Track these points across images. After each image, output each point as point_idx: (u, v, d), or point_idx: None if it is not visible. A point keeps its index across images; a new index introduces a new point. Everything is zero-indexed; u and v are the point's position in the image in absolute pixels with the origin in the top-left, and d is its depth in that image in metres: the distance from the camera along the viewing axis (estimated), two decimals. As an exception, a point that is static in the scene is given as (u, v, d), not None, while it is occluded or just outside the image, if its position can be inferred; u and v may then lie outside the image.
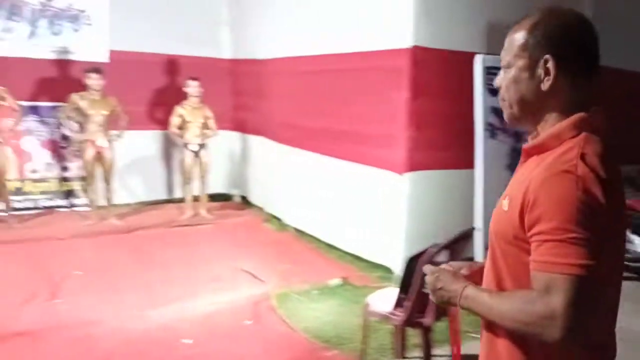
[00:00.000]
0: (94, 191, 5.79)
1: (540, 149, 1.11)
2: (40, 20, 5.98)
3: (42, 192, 6.20)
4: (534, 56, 1.11)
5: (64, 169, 6.31)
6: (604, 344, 1.11)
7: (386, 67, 4.22)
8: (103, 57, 6.30)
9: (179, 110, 6.01)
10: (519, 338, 1.08)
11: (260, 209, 6.53)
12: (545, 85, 1.10)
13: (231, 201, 7.21)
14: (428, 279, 1.20)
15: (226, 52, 7.08)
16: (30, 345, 2.99)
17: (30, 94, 5.98)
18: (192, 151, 6.12)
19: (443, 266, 1.26)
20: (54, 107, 6.14)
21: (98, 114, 5.58)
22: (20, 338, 3.02)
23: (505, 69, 1.16)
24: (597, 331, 1.07)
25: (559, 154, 1.05)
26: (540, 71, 1.10)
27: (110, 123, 5.73)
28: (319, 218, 5.21)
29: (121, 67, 6.15)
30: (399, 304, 2.51)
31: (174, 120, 6.03)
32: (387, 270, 4.10)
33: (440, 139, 4.18)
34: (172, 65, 6.77)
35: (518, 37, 1.13)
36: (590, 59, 1.12)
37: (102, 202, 5.90)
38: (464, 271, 1.23)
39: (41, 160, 6.17)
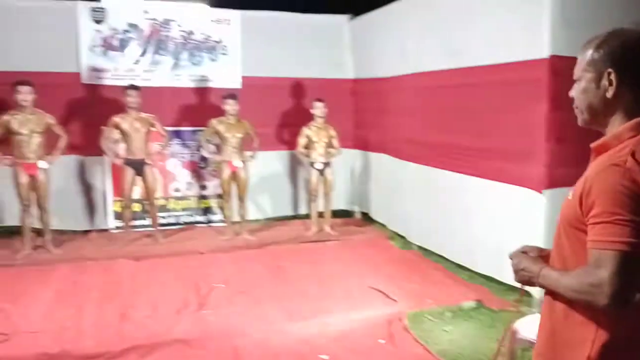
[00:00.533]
0: (229, 208, 6.20)
1: (604, 148, 1.32)
2: (182, 53, 6.59)
3: (184, 209, 6.78)
4: (599, 70, 1.32)
5: (202, 187, 6.84)
6: None
7: (521, 79, 4.05)
8: (236, 84, 6.77)
9: (305, 131, 6.26)
10: (575, 304, 1.29)
11: (383, 226, 6.56)
12: (610, 94, 1.31)
13: (353, 217, 7.33)
14: (512, 262, 1.44)
15: (349, 72, 7.26)
16: (183, 352, 3.26)
17: (173, 119, 6.60)
18: (318, 170, 6.32)
19: (521, 250, 1.48)
20: (194, 131, 6.71)
21: (234, 137, 5.99)
22: (176, 344, 3.31)
23: (578, 82, 1.39)
24: None
25: (615, 151, 1.27)
26: (604, 82, 1.31)
27: (245, 145, 6.13)
28: (446, 237, 5.10)
29: (252, 92, 6.58)
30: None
31: (301, 140, 6.28)
32: (526, 293, 3.87)
33: (582, 154, 3.89)
34: (298, 88, 7.08)
35: (586, 54, 1.35)
36: None
37: (236, 218, 6.30)
38: (533, 253, 1.45)
39: (183, 180, 6.75)
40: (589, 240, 1.24)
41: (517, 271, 1.44)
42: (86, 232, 6.36)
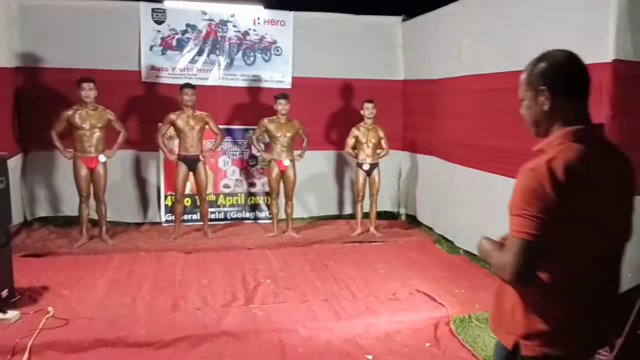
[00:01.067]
0: (276, 206, 6.29)
1: (541, 153, 1.56)
2: (236, 53, 6.74)
3: (232, 205, 6.92)
4: (535, 88, 1.59)
5: (251, 185, 6.97)
6: (572, 290, 1.55)
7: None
8: (287, 84, 6.86)
9: (354, 131, 6.27)
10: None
11: (429, 229, 6.49)
12: (546, 107, 1.57)
13: (398, 219, 7.30)
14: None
15: (399, 74, 7.23)
16: (231, 344, 3.35)
17: (225, 118, 6.75)
18: (365, 170, 6.32)
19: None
20: (245, 130, 6.86)
21: (284, 136, 6.07)
22: (224, 337, 3.40)
23: (522, 101, 1.65)
24: (563, 283, 1.53)
25: (544, 155, 1.51)
26: (541, 98, 1.57)
27: (294, 144, 6.21)
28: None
29: (301, 92, 6.66)
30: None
31: (349, 141, 6.30)
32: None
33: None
34: (348, 89, 7.11)
35: (523, 77, 1.64)
36: (579, 84, 1.57)
37: (283, 216, 6.39)
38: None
39: (232, 176, 6.90)
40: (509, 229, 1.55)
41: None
42: (139, 224, 6.60)
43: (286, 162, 6.14)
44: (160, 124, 6.16)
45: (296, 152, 6.26)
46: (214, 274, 4.62)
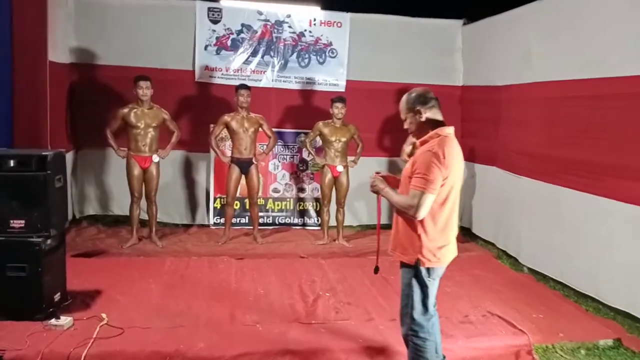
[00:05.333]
0: (327, 213, 6.07)
1: (423, 143, 2.65)
2: (291, 55, 6.56)
3: (280, 210, 6.74)
4: (414, 109, 2.68)
5: (300, 190, 6.78)
6: (444, 229, 2.66)
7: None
8: (341, 87, 6.65)
9: (411, 138, 5.98)
10: (405, 214, 2.62)
11: (487, 242, 6.16)
12: (423, 118, 2.65)
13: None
14: (371, 179, 2.82)
15: (457, 79, 6.92)
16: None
17: (277, 120, 6.58)
18: (422, 179, 6.04)
19: (375, 175, 2.82)
20: (296, 133, 6.67)
21: (338, 141, 5.86)
22: (290, 356, 3.18)
23: (405, 119, 2.75)
24: (441, 221, 2.63)
25: (428, 145, 2.59)
26: (418, 114, 2.66)
27: (348, 149, 5.98)
28: (567, 262, 4.66)
29: (355, 96, 6.41)
30: None
31: (406, 148, 6.02)
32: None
33: None
34: (402, 93, 6.80)
35: (403, 104, 2.75)
36: (434, 101, 2.69)
37: (332, 223, 6.17)
38: (383, 174, 2.87)
39: (282, 181, 6.73)
40: (411, 184, 2.55)
41: (371, 185, 2.80)
42: (187, 226, 6.49)
43: (339, 168, 5.92)
44: (212, 125, 6.04)
45: (350, 158, 6.03)
46: (270, 283, 4.42)
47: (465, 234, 6.66)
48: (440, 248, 2.64)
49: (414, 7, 6.76)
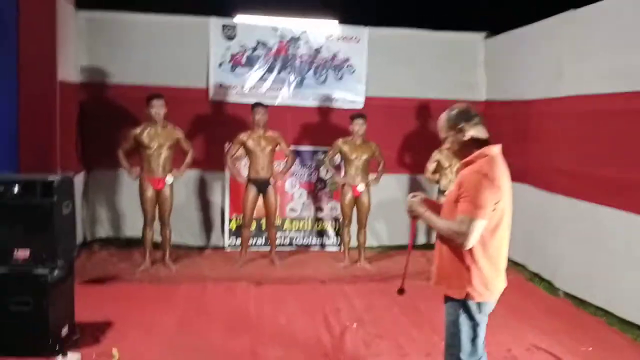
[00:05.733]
0: (348, 234, 5.79)
1: (468, 164, 2.37)
2: (308, 71, 6.35)
3: (297, 230, 6.48)
4: (456, 127, 2.41)
5: (318, 209, 6.52)
6: (496, 259, 2.38)
7: None
8: (359, 104, 6.42)
9: (436, 155, 5.74)
10: (451, 243, 2.34)
11: (516, 264, 5.84)
12: (466, 137, 2.39)
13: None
14: (407, 203, 2.52)
15: (480, 94, 6.67)
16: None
17: (294, 138, 6.35)
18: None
19: (412, 198, 2.53)
20: (313, 152, 6.44)
21: (359, 159, 5.61)
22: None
23: (446, 138, 2.46)
24: (492, 250, 2.34)
25: (477, 165, 2.32)
26: (460, 133, 2.40)
27: (370, 167, 5.73)
28: (608, 286, 4.34)
29: (374, 113, 6.15)
30: None
31: (430, 165, 5.77)
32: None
33: None
34: (423, 109, 6.60)
35: (443, 122, 2.47)
36: (478, 118, 2.42)
37: (353, 243, 5.89)
38: (420, 197, 2.54)
39: (299, 200, 6.47)
40: (459, 209, 2.27)
41: (409, 209, 2.50)
42: (201, 248, 6.25)
43: (360, 187, 5.66)
44: (227, 144, 5.85)
45: (371, 176, 5.78)
46: (291, 312, 4.14)
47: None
48: (492, 279, 2.36)
49: (434, 21, 6.53)
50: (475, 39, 6.66)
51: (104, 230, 6.26)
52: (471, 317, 2.38)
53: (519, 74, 5.89)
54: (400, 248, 6.60)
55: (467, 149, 2.39)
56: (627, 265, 4.15)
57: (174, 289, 4.65)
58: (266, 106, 5.53)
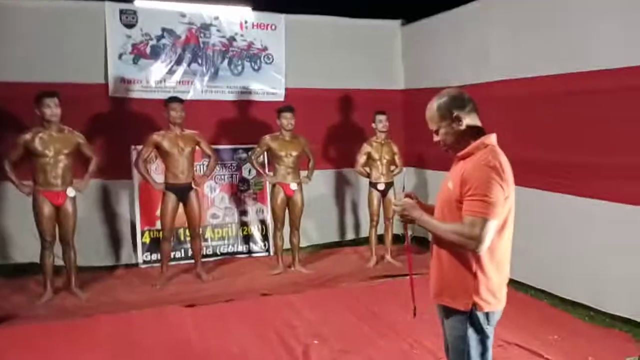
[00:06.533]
0: (281, 237, 5.36)
1: (467, 156, 2.07)
2: (221, 62, 5.78)
3: (221, 238, 5.91)
4: (451, 116, 2.10)
5: (242, 213, 5.99)
6: (502, 262, 2.10)
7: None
8: (279, 96, 5.99)
9: (366, 147, 5.50)
10: (454, 248, 2.05)
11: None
12: (463, 126, 2.10)
13: (404, 242, 6.57)
14: (397, 205, 2.21)
15: (399, 82, 6.55)
16: None
17: (210, 137, 5.72)
18: (379, 191, 5.55)
19: (404, 199, 2.21)
20: (233, 150, 5.90)
21: (289, 156, 5.19)
22: None
23: (437, 129, 2.15)
24: (499, 253, 2.06)
25: (478, 156, 2.03)
26: (457, 122, 2.09)
27: (300, 164, 5.33)
28: (556, 270, 4.38)
29: (295, 105, 5.75)
30: None
31: (361, 158, 5.52)
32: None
33: None
34: (345, 100, 6.34)
35: (433, 112, 2.14)
36: (472, 104, 2.13)
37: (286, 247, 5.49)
38: (412, 198, 2.24)
39: (221, 205, 5.90)
40: (466, 209, 1.98)
41: (401, 214, 2.18)
42: (111, 268, 5.45)
43: (293, 186, 5.25)
44: (134, 147, 5.18)
45: (302, 174, 5.39)
46: (240, 335, 3.63)
47: (421, 244, 6.28)
48: (500, 286, 2.11)
49: (352, 7, 6.28)
50: (392, 25, 6.51)
51: (-14, 257, 5.21)
52: (479, 330, 2.10)
53: (440, 61, 5.83)
54: (329, 246, 6.32)
55: (464, 140, 2.10)
56: (573, 249, 4.20)
57: (90, 322, 3.90)
58: (182, 101, 4.91)
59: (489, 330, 2.11)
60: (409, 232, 2.41)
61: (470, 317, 2.07)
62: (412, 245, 6.10)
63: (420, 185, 6.36)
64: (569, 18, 4.19)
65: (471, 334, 2.09)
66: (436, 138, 2.16)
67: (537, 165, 4.48)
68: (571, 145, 4.24)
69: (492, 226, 1.94)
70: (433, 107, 2.14)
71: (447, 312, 2.14)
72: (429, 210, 2.20)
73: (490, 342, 2.14)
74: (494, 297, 2.07)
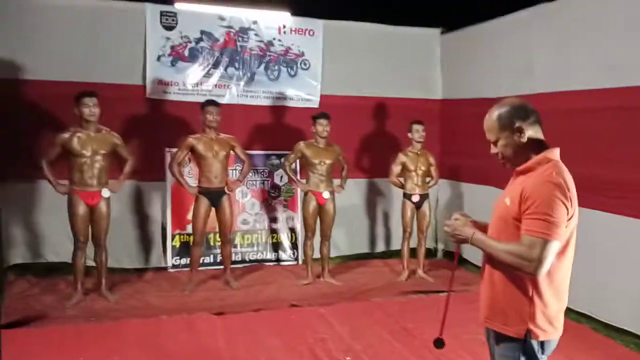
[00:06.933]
0: (311, 247, 5.26)
1: (527, 171, 1.93)
2: (258, 66, 5.73)
3: (250, 245, 5.85)
4: (512, 127, 1.93)
5: (272, 220, 5.92)
6: (562, 288, 1.94)
7: None
8: (314, 103, 5.91)
9: (401, 157, 5.36)
10: (508, 269, 1.89)
11: (476, 267, 5.60)
12: (524, 138, 1.93)
13: (435, 257, 6.40)
14: (449, 226, 2.04)
15: (437, 92, 6.41)
16: None
17: (244, 142, 5.67)
18: (414, 202, 5.40)
19: (456, 216, 2.04)
20: (266, 156, 5.84)
21: (323, 164, 5.10)
22: None
23: (496, 143, 1.99)
24: (558, 278, 1.90)
25: (541, 172, 1.88)
26: (518, 134, 1.93)
27: (333, 172, 5.24)
28: (586, 289, 4.18)
29: (330, 113, 5.67)
30: None
31: (395, 168, 5.39)
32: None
33: None
34: (380, 109, 6.22)
35: (493, 122, 1.97)
36: (535, 115, 1.97)
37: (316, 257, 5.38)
38: (463, 218, 2.04)
39: (252, 210, 5.84)
40: (526, 229, 1.83)
41: (452, 233, 2.03)
42: (140, 270, 5.43)
43: (326, 195, 5.14)
44: (168, 149, 5.17)
45: (335, 182, 5.29)
46: (271, 347, 3.53)
47: (450, 259, 6.09)
48: (558, 313, 1.95)
49: (389, 15, 6.17)
50: (431, 34, 6.38)
51: (20, 256, 5.23)
52: (532, 359, 1.95)
53: (479, 71, 5.67)
54: (359, 258, 6.19)
55: (524, 153, 1.95)
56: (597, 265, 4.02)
57: (119, 326, 3.86)
58: (219, 105, 4.87)
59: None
60: (460, 251, 2.26)
61: (524, 345, 1.92)
62: (450, 262, 6.00)
63: (455, 198, 6.20)
64: (618, 30, 4.01)
65: None
66: (494, 150, 2.01)
67: (581, 182, 4.29)
68: (624, 161, 4.04)
69: (553, 248, 1.80)
70: (493, 116, 1.98)
71: (498, 337, 1.99)
72: (483, 228, 2.05)
73: None
74: (550, 325, 1.92)
